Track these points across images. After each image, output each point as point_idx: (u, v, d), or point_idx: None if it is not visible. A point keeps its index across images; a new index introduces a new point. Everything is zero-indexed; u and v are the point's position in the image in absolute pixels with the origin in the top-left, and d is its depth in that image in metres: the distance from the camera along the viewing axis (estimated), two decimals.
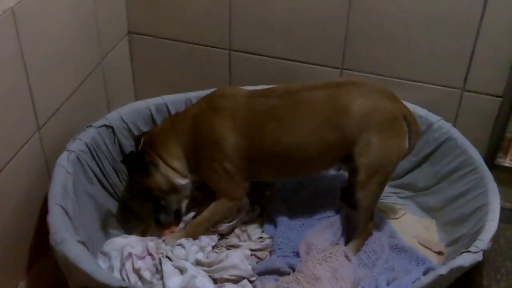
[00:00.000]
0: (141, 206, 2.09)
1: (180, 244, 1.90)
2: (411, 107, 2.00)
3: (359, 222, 1.91)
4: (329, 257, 1.84)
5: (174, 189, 1.93)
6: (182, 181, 1.92)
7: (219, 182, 1.89)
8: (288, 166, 1.89)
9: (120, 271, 1.75)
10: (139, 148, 1.95)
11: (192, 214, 1.99)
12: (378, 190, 1.87)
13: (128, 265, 1.75)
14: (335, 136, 1.80)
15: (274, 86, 1.93)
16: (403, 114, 1.84)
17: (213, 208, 1.92)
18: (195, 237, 1.92)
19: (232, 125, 1.82)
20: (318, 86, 1.85)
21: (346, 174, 2.16)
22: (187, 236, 1.91)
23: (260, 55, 2.24)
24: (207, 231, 1.95)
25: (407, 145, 1.86)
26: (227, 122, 1.82)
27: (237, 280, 1.81)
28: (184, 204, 1.98)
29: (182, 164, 1.91)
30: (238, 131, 1.82)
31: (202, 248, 1.90)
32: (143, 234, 2.00)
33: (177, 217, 1.98)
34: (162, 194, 1.93)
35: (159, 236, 1.93)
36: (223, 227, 1.98)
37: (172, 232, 1.96)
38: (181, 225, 1.98)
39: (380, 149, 1.79)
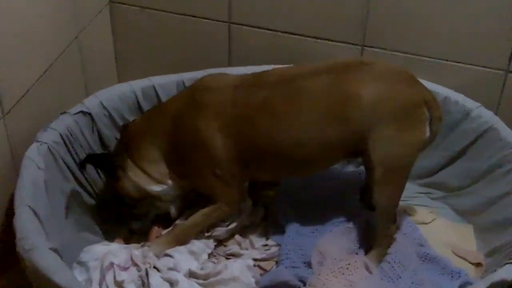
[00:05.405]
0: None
1: (168, 254, 1.82)
2: (444, 91, 1.95)
3: (378, 227, 1.82)
4: (347, 268, 1.75)
5: (147, 196, 1.86)
6: (157, 187, 1.85)
7: (211, 188, 1.82)
8: (285, 166, 1.83)
9: (100, 284, 1.68)
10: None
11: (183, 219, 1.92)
12: (398, 188, 1.78)
13: (109, 277, 1.68)
14: (341, 130, 1.72)
15: (265, 70, 1.85)
16: (424, 98, 1.74)
17: (208, 211, 1.84)
18: (184, 242, 1.84)
19: (218, 125, 1.76)
20: (319, 70, 1.76)
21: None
22: (175, 241, 1.83)
23: (266, 29, 2.16)
24: (200, 236, 1.87)
25: (428, 133, 1.75)
26: (212, 121, 1.76)
27: None
28: (173, 208, 1.91)
29: (159, 168, 1.84)
30: (225, 131, 1.76)
31: (193, 254, 1.82)
32: (126, 240, 1.91)
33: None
34: (132, 201, 1.87)
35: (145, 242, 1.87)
36: (220, 231, 1.88)
37: (159, 236, 1.89)
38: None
39: (397, 142, 1.71)
